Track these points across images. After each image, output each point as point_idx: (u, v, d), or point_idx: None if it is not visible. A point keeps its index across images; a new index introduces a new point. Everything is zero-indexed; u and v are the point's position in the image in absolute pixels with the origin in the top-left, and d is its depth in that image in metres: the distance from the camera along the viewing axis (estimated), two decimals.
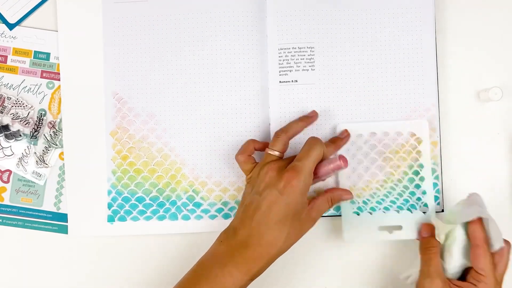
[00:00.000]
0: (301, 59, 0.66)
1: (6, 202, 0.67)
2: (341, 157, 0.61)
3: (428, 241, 0.60)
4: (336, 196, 0.62)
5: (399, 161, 0.65)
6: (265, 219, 0.56)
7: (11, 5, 0.67)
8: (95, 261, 0.67)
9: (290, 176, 0.56)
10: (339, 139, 0.65)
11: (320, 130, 0.66)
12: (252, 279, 0.56)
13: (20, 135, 0.67)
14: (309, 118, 0.65)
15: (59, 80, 0.67)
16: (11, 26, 0.67)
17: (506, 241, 0.58)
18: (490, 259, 0.56)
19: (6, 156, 0.67)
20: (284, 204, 0.56)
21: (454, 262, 0.58)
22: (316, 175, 0.60)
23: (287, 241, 0.56)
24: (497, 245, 0.57)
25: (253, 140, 0.64)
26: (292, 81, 0.66)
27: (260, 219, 0.56)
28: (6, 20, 0.67)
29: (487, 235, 0.57)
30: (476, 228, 0.57)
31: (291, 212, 0.56)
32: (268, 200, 0.56)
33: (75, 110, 0.67)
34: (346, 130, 0.65)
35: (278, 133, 0.62)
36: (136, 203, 0.66)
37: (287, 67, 0.66)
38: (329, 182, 0.66)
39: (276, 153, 0.60)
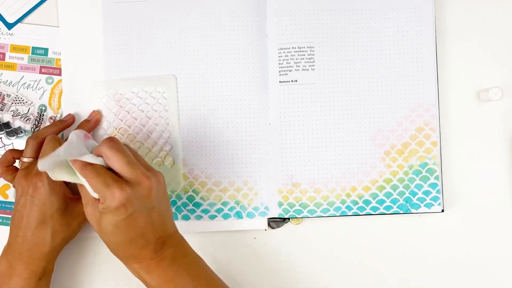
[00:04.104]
0: (301, 59, 0.66)
1: (11, 199, 0.67)
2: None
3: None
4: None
5: None
6: (28, 225, 0.59)
7: (10, 4, 0.67)
8: (96, 261, 0.67)
9: (34, 180, 0.59)
10: (84, 122, 0.66)
11: (320, 130, 0.66)
12: (40, 278, 0.60)
13: (22, 131, 0.67)
14: (64, 122, 0.65)
15: (58, 75, 0.67)
16: (9, 26, 0.67)
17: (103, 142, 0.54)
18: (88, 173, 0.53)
19: None
20: (38, 207, 0.59)
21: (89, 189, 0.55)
22: None
23: (56, 237, 0.60)
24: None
25: (11, 150, 0.63)
26: (292, 81, 0.66)
27: (26, 226, 0.59)
28: (5, 19, 0.67)
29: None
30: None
31: (49, 211, 0.59)
32: (25, 207, 0.59)
33: (76, 108, 0.67)
34: (94, 111, 0.66)
35: (28, 140, 0.62)
36: None
37: (287, 67, 0.66)
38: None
39: (26, 159, 0.61)
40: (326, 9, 0.66)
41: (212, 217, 0.66)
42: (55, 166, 0.56)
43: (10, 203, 0.67)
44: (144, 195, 0.54)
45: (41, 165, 0.53)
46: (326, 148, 0.66)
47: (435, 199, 0.66)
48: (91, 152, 0.55)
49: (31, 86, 0.67)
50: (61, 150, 0.54)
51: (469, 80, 0.67)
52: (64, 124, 0.65)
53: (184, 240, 0.58)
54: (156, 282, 0.55)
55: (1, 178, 0.67)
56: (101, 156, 0.54)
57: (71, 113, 0.67)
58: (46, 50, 0.67)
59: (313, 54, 0.66)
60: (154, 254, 0.55)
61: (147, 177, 0.54)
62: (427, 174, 0.66)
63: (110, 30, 0.67)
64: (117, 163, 0.54)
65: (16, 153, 0.63)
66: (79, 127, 0.65)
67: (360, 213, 0.66)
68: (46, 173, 0.58)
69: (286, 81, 0.66)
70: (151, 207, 0.55)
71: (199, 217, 0.66)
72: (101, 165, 0.54)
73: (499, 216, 0.67)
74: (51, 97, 0.67)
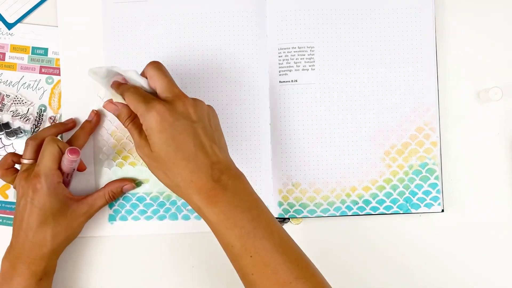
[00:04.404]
0: (301, 59, 0.66)
1: (11, 199, 0.67)
2: (69, 150, 0.60)
3: (122, 114, 0.59)
4: (116, 189, 0.65)
5: None
6: (29, 226, 0.59)
7: (10, 4, 0.67)
8: (97, 261, 0.67)
9: (33, 182, 0.59)
10: (86, 123, 0.66)
11: (320, 130, 0.66)
12: (41, 278, 0.61)
13: (21, 132, 0.67)
14: (64, 124, 0.65)
15: (58, 75, 0.67)
16: (9, 26, 0.67)
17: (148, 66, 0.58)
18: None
19: None
20: (38, 208, 0.59)
21: None
22: (63, 172, 0.61)
23: (56, 238, 0.60)
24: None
25: (11, 154, 0.64)
26: (292, 81, 0.66)
27: (26, 227, 0.60)
28: (5, 19, 0.67)
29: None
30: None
31: (49, 212, 0.60)
32: (25, 209, 0.60)
33: (76, 108, 0.67)
34: (93, 110, 0.66)
35: (27, 142, 0.62)
36: (137, 202, 0.66)
37: (287, 67, 0.66)
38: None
39: (26, 161, 0.62)
40: (326, 9, 0.66)
41: None
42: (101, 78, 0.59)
43: (10, 203, 0.67)
44: (184, 112, 0.54)
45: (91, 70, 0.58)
46: (326, 148, 0.66)
47: (435, 199, 0.66)
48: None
49: (31, 86, 0.67)
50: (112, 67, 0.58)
51: (469, 80, 0.67)
52: (64, 127, 0.65)
53: (245, 177, 0.56)
54: (217, 218, 0.53)
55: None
56: (146, 78, 0.58)
57: (70, 112, 0.67)
58: (46, 50, 0.67)
59: (313, 54, 0.66)
60: (213, 183, 0.53)
61: (185, 96, 0.56)
62: (427, 174, 0.66)
63: (110, 30, 0.67)
64: (158, 82, 0.56)
65: (16, 157, 0.63)
66: (81, 128, 0.65)
67: (360, 213, 0.66)
68: (45, 176, 0.59)
69: (286, 81, 0.66)
70: (193, 125, 0.54)
71: (199, 217, 0.66)
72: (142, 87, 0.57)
73: (499, 216, 0.67)
74: (51, 97, 0.67)
